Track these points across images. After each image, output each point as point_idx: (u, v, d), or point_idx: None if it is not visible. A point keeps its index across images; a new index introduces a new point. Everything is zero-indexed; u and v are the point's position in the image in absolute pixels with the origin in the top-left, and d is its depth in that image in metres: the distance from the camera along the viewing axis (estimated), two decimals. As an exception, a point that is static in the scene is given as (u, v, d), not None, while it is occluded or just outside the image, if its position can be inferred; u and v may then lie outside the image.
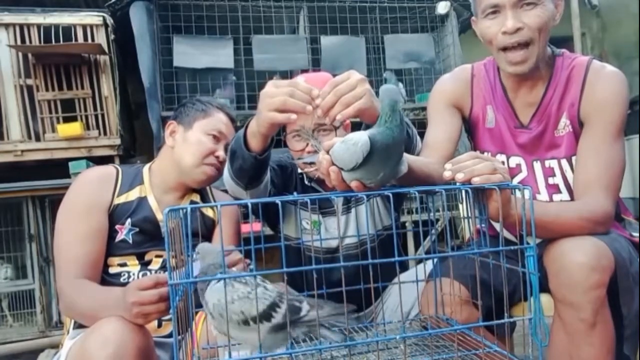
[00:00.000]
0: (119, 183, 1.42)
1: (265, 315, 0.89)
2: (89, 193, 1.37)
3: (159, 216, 1.41)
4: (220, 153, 1.46)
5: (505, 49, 1.26)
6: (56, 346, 2.45)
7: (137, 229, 1.40)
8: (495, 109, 1.39)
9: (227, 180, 1.35)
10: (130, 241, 1.39)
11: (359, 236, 1.54)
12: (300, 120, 1.32)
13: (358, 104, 1.05)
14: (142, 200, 1.43)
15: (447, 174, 0.97)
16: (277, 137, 2.47)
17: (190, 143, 1.45)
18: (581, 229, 1.13)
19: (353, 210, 1.60)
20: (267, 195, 1.43)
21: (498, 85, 1.40)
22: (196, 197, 1.52)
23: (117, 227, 1.38)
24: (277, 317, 0.89)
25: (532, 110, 1.35)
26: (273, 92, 1.10)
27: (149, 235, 1.41)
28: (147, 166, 1.50)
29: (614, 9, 4.87)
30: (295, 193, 1.55)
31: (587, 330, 1.06)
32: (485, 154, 1.41)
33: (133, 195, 1.42)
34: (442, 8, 3.42)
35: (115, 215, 1.38)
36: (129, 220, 1.39)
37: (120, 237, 1.38)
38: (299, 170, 1.63)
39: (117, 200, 1.40)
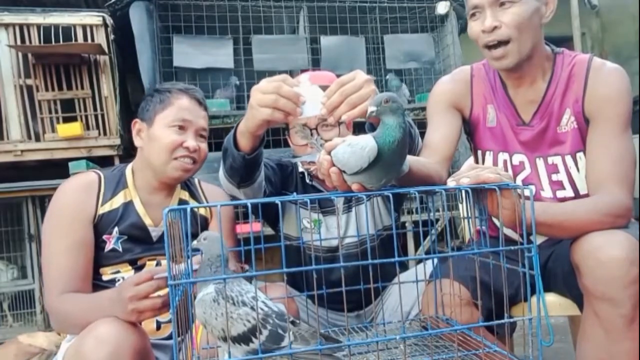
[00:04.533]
0: (102, 191, 1.36)
1: (244, 339, 0.87)
2: (71, 205, 1.31)
3: (147, 221, 1.38)
4: (190, 143, 1.36)
5: (487, 46, 1.28)
6: (56, 346, 2.44)
7: (126, 237, 1.35)
8: (496, 107, 1.40)
9: (221, 177, 1.35)
10: (120, 249, 1.35)
11: (359, 235, 1.54)
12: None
13: (364, 105, 1.05)
14: (127, 206, 1.37)
15: (451, 185, 0.98)
16: (277, 137, 2.48)
17: (154, 140, 1.36)
18: (601, 224, 1.12)
19: (354, 209, 1.60)
20: (262, 194, 1.42)
21: (498, 84, 1.40)
22: (184, 195, 1.47)
23: (104, 237, 1.33)
24: (256, 343, 0.87)
25: (534, 107, 1.35)
26: (265, 88, 1.10)
27: (139, 241, 1.37)
28: (129, 167, 1.44)
29: (613, 9, 4.87)
30: (295, 192, 1.55)
31: (627, 325, 1.05)
32: (487, 153, 1.42)
33: (117, 201, 1.37)
34: (442, 8, 3.42)
35: (101, 226, 1.33)
36: (116, 228, 1.34)
37: (109, 246, 1.34)
38: (300, 169, 1.63)
39: (101, 210, 1.34)
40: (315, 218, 1.58)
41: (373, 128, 1.16)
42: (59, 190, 1.35)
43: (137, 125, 1.42)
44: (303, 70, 2.99)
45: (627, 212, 1.18)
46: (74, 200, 1.32)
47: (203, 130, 1.42)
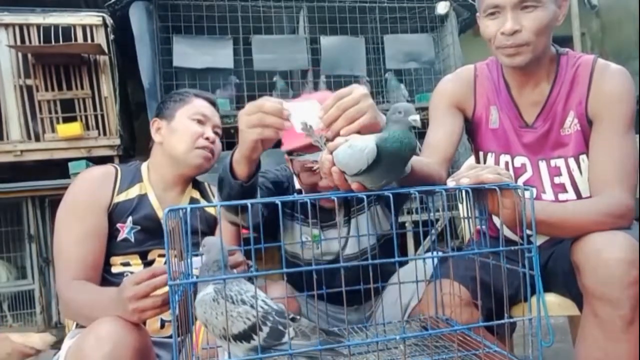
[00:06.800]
0: (118, 181, 1.41)
1: (245, 336, 0.89)
2: (88, 193, 1.37)
3: (160, 213, 1.41)
4: (210, 134, 1.45)
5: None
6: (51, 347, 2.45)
7: (139, 227, 1.39)
8: (499, 109, 1.39)
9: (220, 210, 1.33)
10: (132, 240, 1.38)
11: (359, 247, 1.54)
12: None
13: (362, 120, 1.02)
14: (142, 198, 1.42)
15: (451, 185, 0.98)
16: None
17: (177, 132, 1.45)
18: (602, 224, 1.12)
19: (353, 221, 1.59)
20: (259, 218, 1.41)
21: (502, 84, 1.39)
22: (196, 194, 1.52)
23: (118, 225, 1.37)
24: (257, 340, 0.88)
25: (537, 109, 1.35)
26: (249, 110, 1.08)
27: (151, 233, 1.40)
28: (145, 164, 1.50)
29: (614, 9, 4.87)
30: (292, 208, 1.55)
31: (625, 326, 1.05)
32: (489, 154, 1.41)
33: (133, 192, 1.42)
34: (442, 8, 3.42)
35: (115, 214, 1.37)
36: (130, 218, 1.38)
37: (122, 235, 1.38)
38: (297, 187, 1.62)
39: (116, 199, 1.39)
40: (316, 233, 1.58)
41: None
42: (76, 178, 1.42)
43: (156, 123, 1.51)
44: (303, 71, 3.00)
45: (628, 212, 1.18)
46: (90, 189, 1.38)
47: (218, 127, 1.52)
